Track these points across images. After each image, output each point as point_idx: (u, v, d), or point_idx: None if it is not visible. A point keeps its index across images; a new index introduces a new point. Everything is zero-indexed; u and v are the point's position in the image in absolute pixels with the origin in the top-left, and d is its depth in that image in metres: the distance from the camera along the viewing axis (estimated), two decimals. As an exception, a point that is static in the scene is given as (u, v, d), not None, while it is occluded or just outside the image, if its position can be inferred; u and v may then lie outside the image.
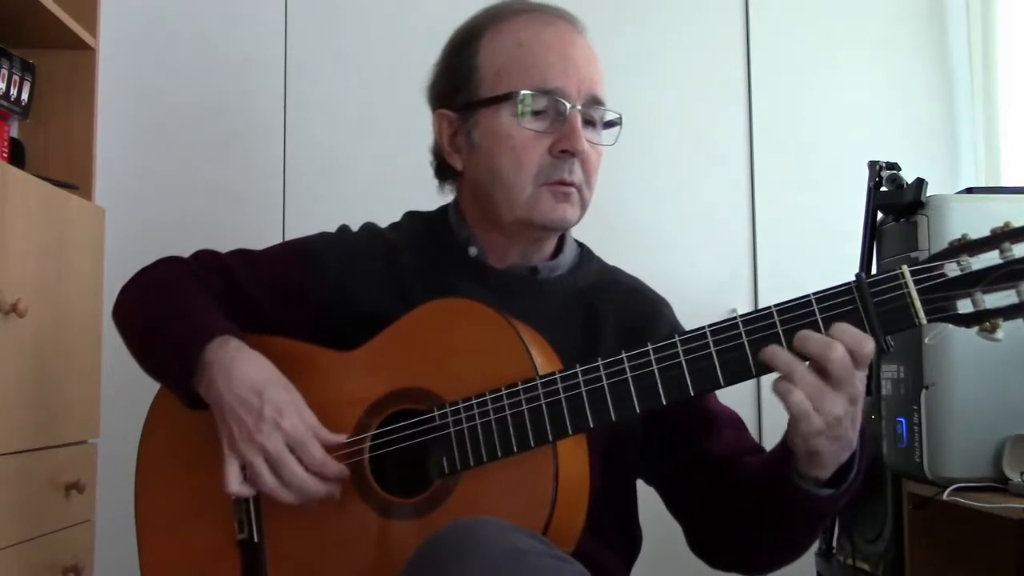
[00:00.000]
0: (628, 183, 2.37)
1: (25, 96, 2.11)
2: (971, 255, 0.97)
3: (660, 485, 1.31)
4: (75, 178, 2.17)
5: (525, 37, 1.25)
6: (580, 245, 1.37)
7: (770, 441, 1.28)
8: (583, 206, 1.26)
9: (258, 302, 1.30)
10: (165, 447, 1.28)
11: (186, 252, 1.38)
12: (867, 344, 0.98)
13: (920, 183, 1.84)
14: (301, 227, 1.47)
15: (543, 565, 0.94)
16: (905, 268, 0.99)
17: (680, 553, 1.29)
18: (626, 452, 1.25)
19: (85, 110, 2.27)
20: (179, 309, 1.25)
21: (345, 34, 2.47)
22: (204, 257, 1.35)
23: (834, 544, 2.08)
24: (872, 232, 1.98)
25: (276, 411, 1.12)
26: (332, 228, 1.40)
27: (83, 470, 1.93)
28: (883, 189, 1.95)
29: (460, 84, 1.28)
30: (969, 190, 1.97)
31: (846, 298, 1.00)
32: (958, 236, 1.00)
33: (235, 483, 1.14)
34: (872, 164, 1.97)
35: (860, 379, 1.00)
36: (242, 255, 1.35)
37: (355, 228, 1.38)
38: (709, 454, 1.23)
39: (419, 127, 2.39)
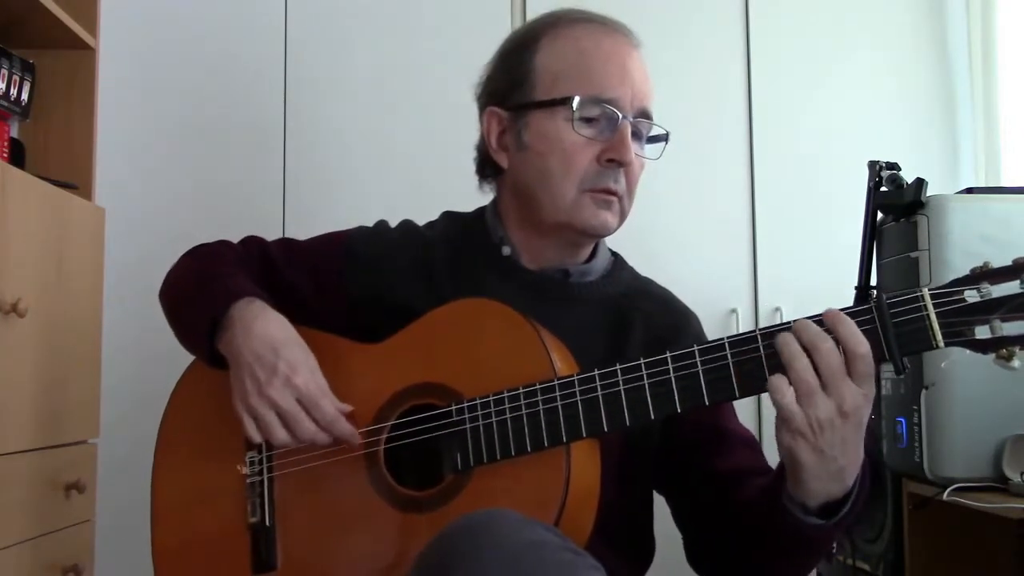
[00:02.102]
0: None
1: (25, 96, 2.11)
2: (992, 283, 0.97)
3: (668, 494, 1.32)
4: (75, 178, 2.17)
5: (586, 45, 1.26)
6: (613, 254, 1.39)
7: (769, 451, 1.28)
8: (623, 216, 1.28)
9: (296, 287, 1.32)
10: (184, 429, 1.30)
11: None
12: (861, 345, 0.98)
13: (920, 183, 1.84)
14: (301, 227, 1.48)
15: (559, 559, 0.94)
16: (925, 291, 0.99)
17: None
18: (643, 463, 1.26)
19: (85, 110, 2.26)
20: (212, 276, 1.29)
21: (345, 33, 2.47)
22: (249, 242, 1.40)
23: (834, 544, 2.08)
24: (872, 232, 1.98)
25: (289, 368, 1.16)
26: (332, 229, 1.41)
27: (83, 470, 1.93)
28: (883, 189, 1.95)
29: (515, 84, 1.29)
30: (969, 190, 1.98)
31: (865, 317, 1.00)
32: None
33: (257, 434, 1.17)
34: (872, 164, 1.98)
35: (851, 390, 0.98)
36: (284, 243, 1.40)
37: (392, 224, 1.40)
38: (718, 471, 1.24)
39: (419, 126, 2.42)
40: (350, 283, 1.31)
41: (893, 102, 2.52)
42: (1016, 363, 0.96)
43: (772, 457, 1.26)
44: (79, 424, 1.95)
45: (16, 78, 2.08)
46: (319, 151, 2.42)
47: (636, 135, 1.27)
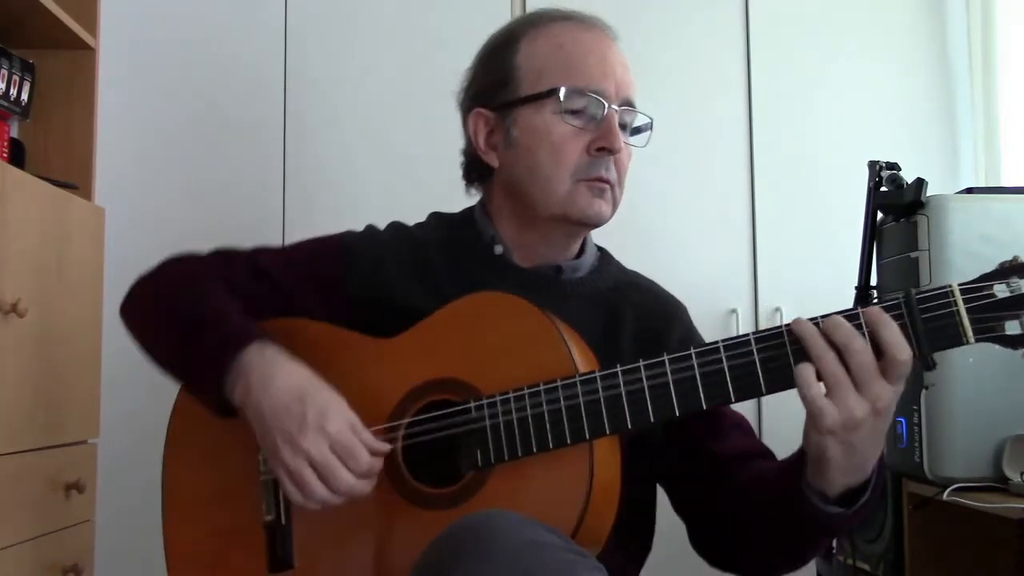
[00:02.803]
0: (628, 183, 2.37)
1: (25, 96, 2.11)
2: (1021, 277, 0.97)
3: (666, 482, 1.32)
4: (75, 178, 2.17)
5: (565, 40, 1.28)
6: (600, 248, 1.39)
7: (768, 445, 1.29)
8: (615, 205, 1.29)
9: (296, 295, 1.29)
10: (194, 426, 1.27)
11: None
12: (903, 352, 0.97)
13: (920, 183, 1.84)
14: (301, 227, 1.48)
15: (561, 558, 0.94)
16: (955, 285, 0.98)
17: (691, 552, 1.28)
18: (649, 456, 1.25)
19: (85, 110, 2.26)
20: (207, 314, 1.21)
21: (344, 34, 2.47)
22: (227, 254, 1.33)
23: (834, 544, 2.08)
24: (872, 232, 1.98)
25: (319, 415, 1.09)
26: (333, 228, 1.40)
27: (83, 470, 1.93)
28: (883, 189, 1.95)
29: (498, 84, 1.30)
30: (969, 190, 1.98)
31: (894, 313, 0.99)
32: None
33: (299, 496, 1.09)
34: (872, 164, 1.98)
35: (885, 389, 0.98)
36: (268, 249, 1.35)
37: (380, 226, 1.39)
38: (716, 454, 1.24)
39: (419, 126, 2.42)
40: (350, 285, 1.31)
41: (893, 102, 2.52)
42: None
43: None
44: (79, 424, 1.95)
45: (16, 78, 2.08)
46: (319, 151, 2.42)
47: (621, 125, 1.28)
